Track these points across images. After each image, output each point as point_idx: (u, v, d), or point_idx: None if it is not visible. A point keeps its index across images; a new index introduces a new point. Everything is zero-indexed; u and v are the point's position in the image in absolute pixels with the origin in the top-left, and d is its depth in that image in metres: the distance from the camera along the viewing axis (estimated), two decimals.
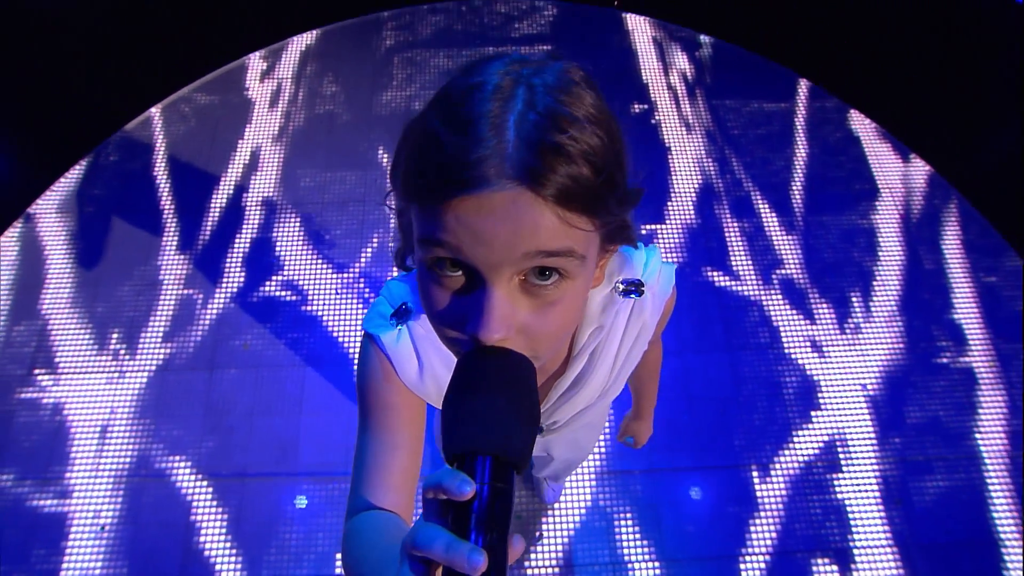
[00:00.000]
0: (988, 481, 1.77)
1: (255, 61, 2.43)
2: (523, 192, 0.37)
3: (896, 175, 2.24)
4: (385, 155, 2.24)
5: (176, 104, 2.32)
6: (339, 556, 1.68)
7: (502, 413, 0.38)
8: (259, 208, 2.14)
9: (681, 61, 2.47)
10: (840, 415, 1.86)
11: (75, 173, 2.17)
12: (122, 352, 1.89)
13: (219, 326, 1.94)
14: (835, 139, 2.31)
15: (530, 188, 0.37)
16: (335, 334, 1.94)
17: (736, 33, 2.52)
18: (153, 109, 2.29)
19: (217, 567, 1.65)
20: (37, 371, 1.86)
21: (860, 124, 2.34)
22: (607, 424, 1.73)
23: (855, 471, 1.79)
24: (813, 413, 1.86)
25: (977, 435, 1.83)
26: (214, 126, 2.28)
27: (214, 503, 1.72)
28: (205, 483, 1.74)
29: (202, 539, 1.68)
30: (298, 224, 2.11)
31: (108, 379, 1.86)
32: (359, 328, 1.92)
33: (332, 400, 1.86)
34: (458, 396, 0.40)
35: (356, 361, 0.66)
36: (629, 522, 1.73)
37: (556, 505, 1.75)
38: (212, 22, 2.57)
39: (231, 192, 2.16)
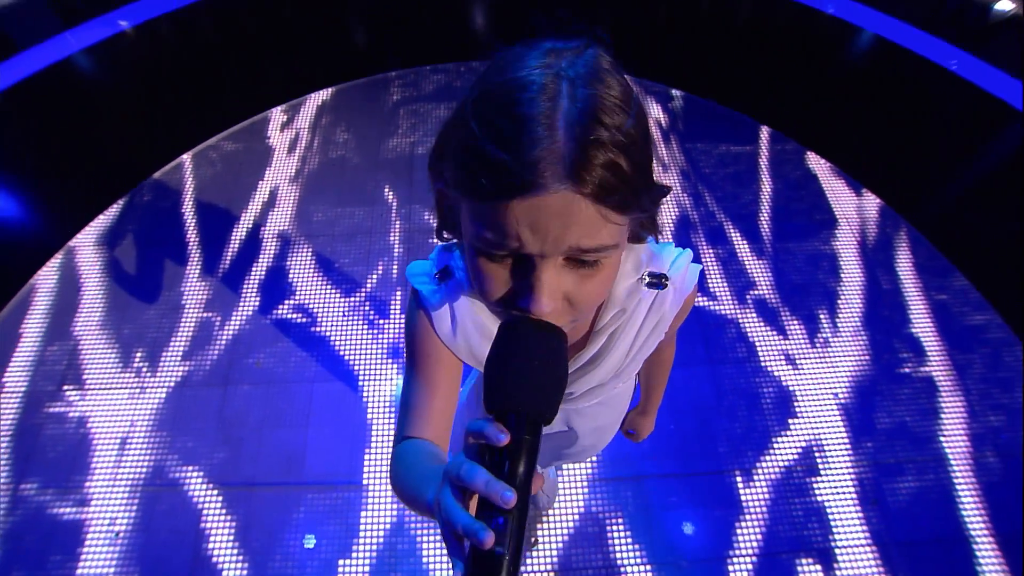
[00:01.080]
0: (955, 481, 1.88)
1: (276, 114, 2.72)
2: (573, 192, 0.41)
3: (851, 207, 2.48)
4: (391, 193, 2.47)
5: (205, 151, 2.58)
6: (342, 562, 1.75)
7: (537, 378, 0.44)
8: (275, 240, 2.34)
9: (656, 111, 2.77)
10: (815, 422, 1.99)
11: (112, 211, 2.39)
12: (144, 369, 2.03)
13: (234, 345, 2.09)
14: (795, 176, 2.57)
15: (577, 188, 0.41)
16: (341, 352, 2.09)
17: (703, 88, 2.84)
18: (185, 156, 2.55)
19: (224, 573, 1.72)
20: (66, 387, 1.99)
21: (816, 163, 2.61)
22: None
23: (832, 474, 1.90)
24: (790, 421, 1.99)
25: (942, 438, 1.96)
26: (238, 170, 2.53)
27: (223, 511, 1.81)
28: (215, 492, 1.84)
29: (211, 546, 1.76)
30: (310, 254, 2.31)
31: (130, 394, 1.98)
32: (364, 348, 2.08)
33: (338, 414, 1.99)
34: (500, 359, 0.45)
35: (405, 313, 0.72)
36: (620, 527, 1.81)
37: (550, 511, 1.84)
38: (240, 80, 2.89)
39: (250, 226, 2.37)
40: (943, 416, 2.00)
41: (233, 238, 2.34)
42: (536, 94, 0.41)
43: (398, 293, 2.22)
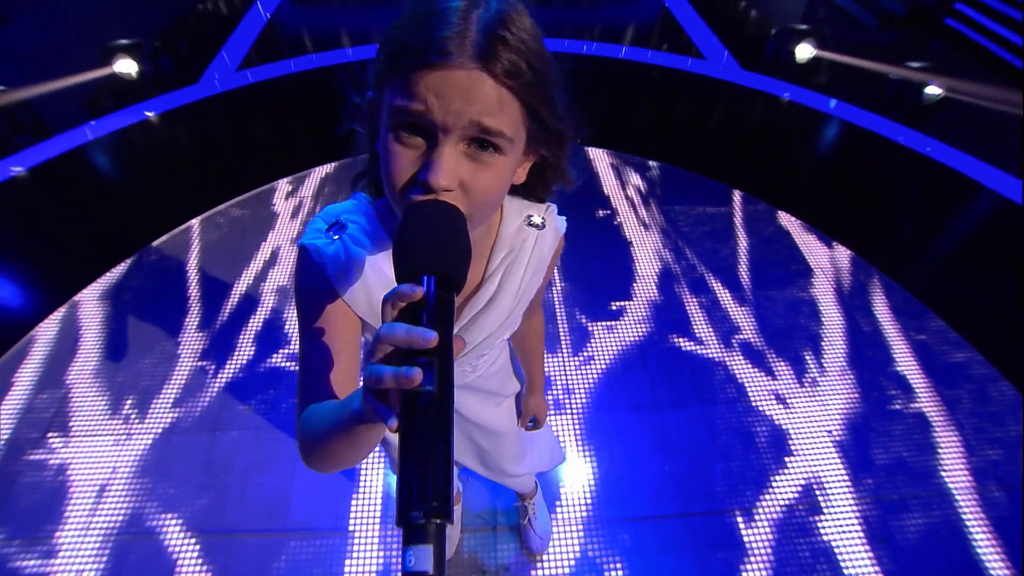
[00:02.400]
0: (963, 517, 1.82)
1: (282, 185, 2.92)
2: (478, 71, 0.49)
3: (824, 258, 2.62)
4: None
5: (213, 217, 2.74)
6: None
7: (443, 242, 0.48)
8: (274, 294, 2.42)
9: (635, 179, 3.00)
10: (812, 459, 1.96)
11: (119, 269, 2.49)
12: (133, 416, 2.01)
13: (226, 392, 2.09)
14: (769, 232, 2.73)
15: (483, 68, 0.49)
16: None
17: (677, 159, 3.10)
18: (193, 220, 2.71)
19: None
20: (51, 434, 1.95)
21: (787, 221, 2.79)
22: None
23: (836, 512, 1.84)
24: (787, 459, 1.96)
25: (943, 473, 1.92)
26: (242, 233, 2.68)
27: (199, 561, 1.71)
28: (193, 540, 1.75)
29: None
30: None
31: (115, 441, 1.95)
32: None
33: None
34: (406, 231, 0.48)
35: (293, 278, 0.70)
36: (619, 572, 1.72)
37: (544, 556, 1.75)
38: (249, 156, 3.14)
39: (251, 282, 2.46)
40: (940, 451, 1.98)
41: (233, 293, 2.42)
42: (457, 1, 0.50)
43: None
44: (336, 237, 0.66)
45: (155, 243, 2.61)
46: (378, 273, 0.67)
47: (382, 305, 0.44)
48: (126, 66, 3.42)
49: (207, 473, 1.89)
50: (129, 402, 2.05)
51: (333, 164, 3.05)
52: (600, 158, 3.14)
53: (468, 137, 0.52)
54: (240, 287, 2.44)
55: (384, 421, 0.41)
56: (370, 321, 0.68)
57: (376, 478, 1.90)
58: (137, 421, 2.00)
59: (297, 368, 0.67)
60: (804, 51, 3.73)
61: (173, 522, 1.78)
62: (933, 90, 3.25)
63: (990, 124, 3.51)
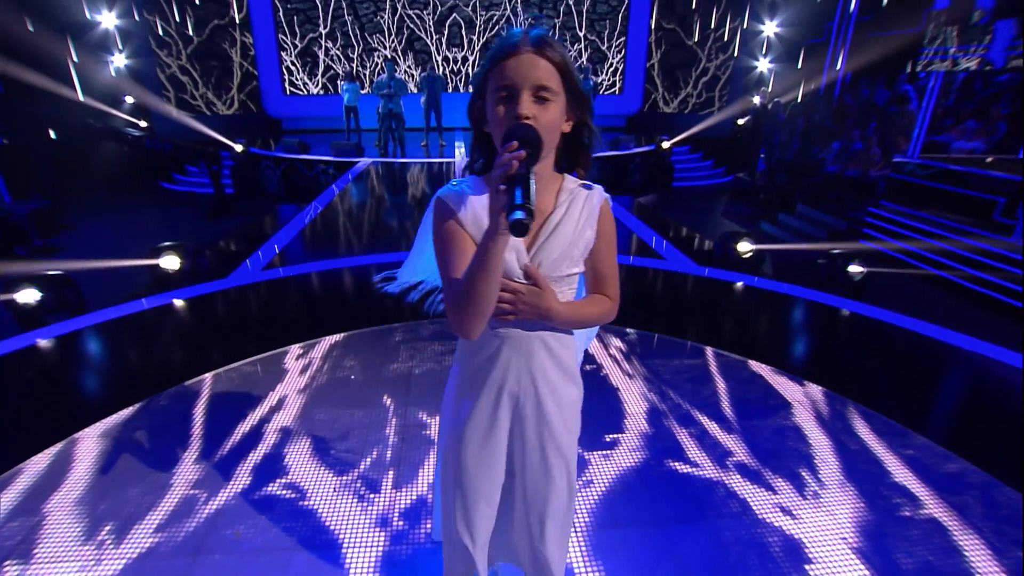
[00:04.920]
0: None
1: (294, 349, 3.18)
2: (534, 55, 0.95)
3: (799, 393, 2.80)
4: (390, 399, 2.73)
5: (227, 372, 2.92)
6: None
7: (529, 132, 0.89)
8: (276, 433, 2.46)
9: (616, 342, 3.33)
10: (836, 566, 1.84)
11: (126, 412, 2.55)
12: (107, 542, 1.87)
13: (215, 517, 1.99)
14: (744, 376, 2.96)
15: (537, 52, 0.95)
16: (327, 523, 1.99)
17: (651, 326, 3.50)
18: (207, 375, 2.87)
19: None
20: (8, 563, 1.78)
21: (758, 367, 3.05)
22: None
23: None
24: (807, 567, 1.85)
25: (979, 575, 1.81)
26: (252, 385, 2.82)
27: None
28: None
29: None
30: (308, 444, 2.40)
31: (80, 567, 1.78)
32: (352, 519, 2.04)
33: None
34: (514, 131, 0.88)
35: (432, 216, 1.08)
36: None
37: None
38: (264, 327, 3.45)
39: (255, 423, 2.52)
40: (967, 554, 1.89)
41: (235, 431, 2.46)
42: (518, 30, 0.99)
43: (391, 472, 2.25)
44: (455, 184, 1.08)
45: (166, 391, 2.73)
46: (480, 201, 1.05)
47: (504, 142, 0.87)
48: (170, 262, 4.01)
49: None
50: (107, 528, 1.93)
51: (343, 334, 3.38)
52: None
53: (533, 92, 0.95)
54: (243, 427, 2.49)
55: (508, 195, 0.84)
56: (475, 235, 1.03)
57: None
58: (111, 547, 1.86)
59: (443, 296, 1.05)
60: (744, 247, 4.58)
61: None
62: (855, 269, 3.91)
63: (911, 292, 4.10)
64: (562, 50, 0.98)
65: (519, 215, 0.81)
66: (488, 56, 1.00)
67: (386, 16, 12.32)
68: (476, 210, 1.04)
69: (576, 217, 1.08)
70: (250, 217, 7.59)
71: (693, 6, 12.67)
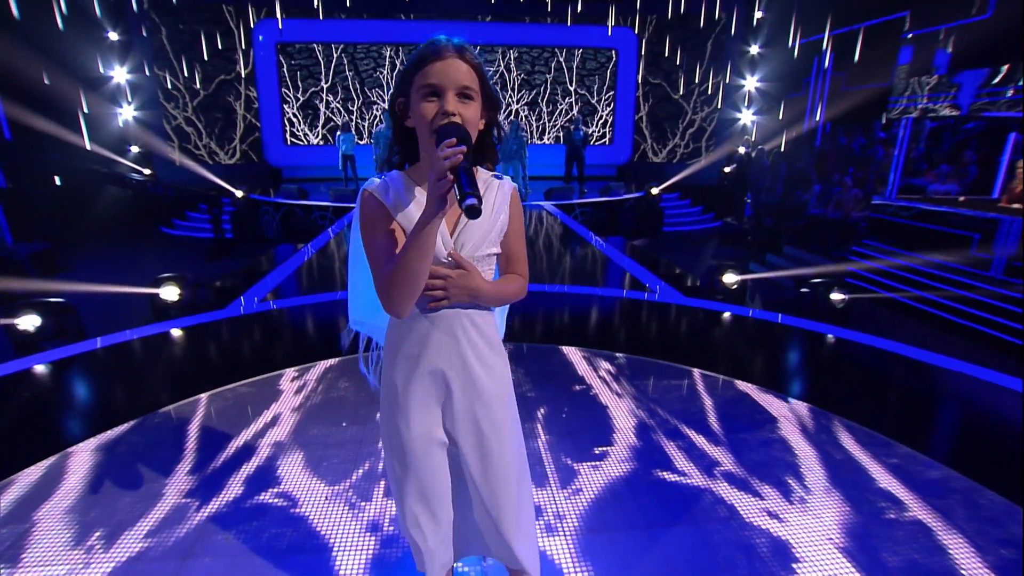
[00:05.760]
0: None
1: (290, 372, 3.22)
2: (457, 59, 1.06)
3: (784, 408, 2.86)
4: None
5: (223, 393, 2.95)
6: None
7: (459, 129, 1.02)
8: (270, 447, 2.48)
9: (606, 365, 3.40)
10: (823, 566, 1.86)
11: (121, 428, 2.57)
12: (97, 547, 1.87)
13: (206, 523, 2.00)
14: (730, 395, 3.02)
15: (460, 57, 1.06)
16: (318, 528, 2.00)
17: (640, 351, 3.57)
18: (203, 395, 2.91)
19: None
20: None
21: (745, 386, 3.11)
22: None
23: None
24: (795, 566, 1.86)
25: (964, 572, 1.82)
26: (246, 405, 2.85)
27: None
28: None
29: None
30: (301, 456, 2.42)
31: (69, 570, 1.78)
32: (343, 524, 2.06)
33: None
34: (446, 130, 1.00)
35: (358, 208, 1.16)
36: None
37: None
38: (261, 353, 3.50)
39: (249, 437, 2.55)
40: (952, 552, 1.91)
41: (229, 446, 2.48)
42: (443, 37, 1.10)
43: (382, 482, 2.26)
44: (379, 179, 1.17)
45: (161, 410, 2.76)
46: (408, 189, 1.15)
47: (438, 140, 0.99)
48: (169, 292, 4.10)
49: None
50: (97, 534, 1.93)
51: (338, 359, 3.43)
52: (574, 353, 3.60)
53: (457, 92, 1.07)
54: (237, 441, 2.51)
55: (451, 184, 0.95)
56: (402, 224, 1.12)
57: None
58: (100, 551, 1.86)
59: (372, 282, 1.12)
60: (730, 278, 4.71)
61: None
62: (837, 296, 4.04)
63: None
64: (479, 58, 1.11)
65: (472, 200, 0.92)
66: (413, 57, 1.09)
67: (385, 72, 12.95)
68: (401, 201, 1.13)
69: (492, 202, 1.20)
70: (249, 259, 7.75)
71: (678, 62, 13.42)
